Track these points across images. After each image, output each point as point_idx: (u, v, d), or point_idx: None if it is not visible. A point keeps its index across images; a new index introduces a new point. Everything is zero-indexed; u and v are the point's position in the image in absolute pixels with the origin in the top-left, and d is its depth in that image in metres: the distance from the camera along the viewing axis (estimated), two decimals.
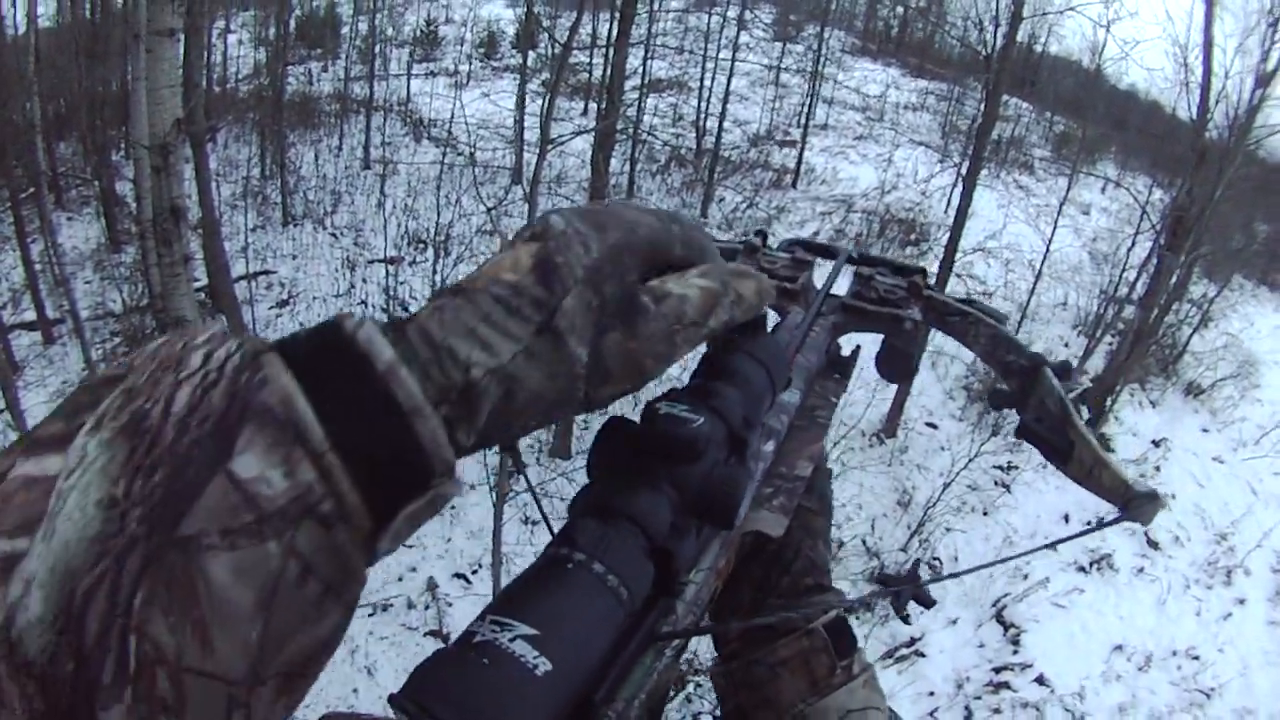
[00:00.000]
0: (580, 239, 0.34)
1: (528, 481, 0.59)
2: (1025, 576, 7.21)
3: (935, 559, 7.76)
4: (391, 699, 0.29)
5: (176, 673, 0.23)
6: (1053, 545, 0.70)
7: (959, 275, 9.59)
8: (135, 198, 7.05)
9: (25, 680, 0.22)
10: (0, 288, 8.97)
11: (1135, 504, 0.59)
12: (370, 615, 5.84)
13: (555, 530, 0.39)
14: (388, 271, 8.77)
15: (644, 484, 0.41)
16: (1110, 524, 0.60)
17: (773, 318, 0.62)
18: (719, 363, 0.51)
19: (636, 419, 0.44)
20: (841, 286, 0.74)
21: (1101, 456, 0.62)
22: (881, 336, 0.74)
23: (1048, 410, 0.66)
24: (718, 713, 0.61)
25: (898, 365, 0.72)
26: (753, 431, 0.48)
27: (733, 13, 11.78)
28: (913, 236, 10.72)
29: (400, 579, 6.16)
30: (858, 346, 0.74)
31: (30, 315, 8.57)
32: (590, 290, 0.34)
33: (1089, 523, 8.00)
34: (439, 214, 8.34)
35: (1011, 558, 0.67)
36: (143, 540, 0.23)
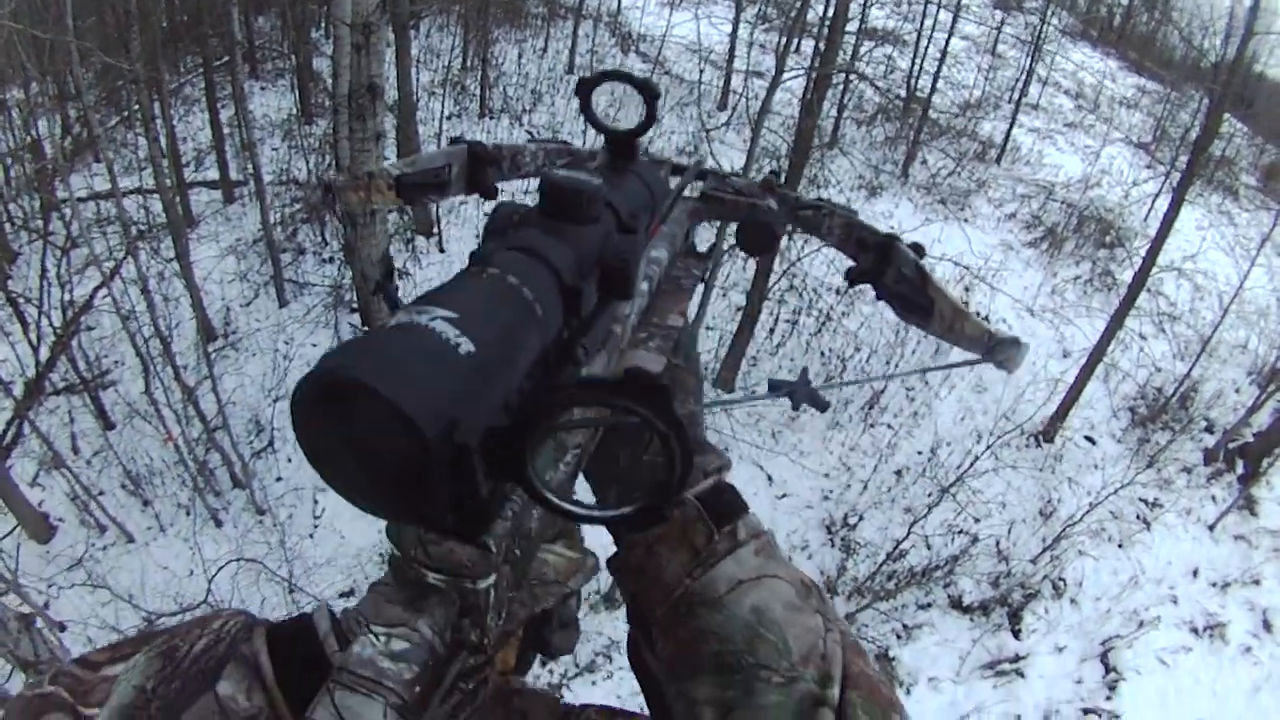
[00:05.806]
0: None
1: None
2: (1140, 624, 6.90)
3: (1061, 579, 7.48)
4: (306, 378, 0.30)
5: None
6: (922, 371, 0.71)
7: (1149, 290, 8.93)
8: (332, 74, 7.21)
9: None
10: (186, 146, 9.43)
11: (999, 349, 0.61)
12: None
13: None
14: None
15: (549, 234, 0.42)
16: (973, 363, 0.64)
17: None
18: (611, 168, 0.59)
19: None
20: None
21: (960, 308, 0.65)
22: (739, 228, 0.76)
23: (905, 277, 0.69)
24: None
25: (758, 236, 0.73)
26: (638, 227, 0.51)
27: None
28: (1108, 239, 10.03)
29: None
30: (715, 242, 0.85)
31: (213, 175, 8.98)
32: None
33: (1214, 584, 7.50)
34: None
35: (886, 377, 0.71)
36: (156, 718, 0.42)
